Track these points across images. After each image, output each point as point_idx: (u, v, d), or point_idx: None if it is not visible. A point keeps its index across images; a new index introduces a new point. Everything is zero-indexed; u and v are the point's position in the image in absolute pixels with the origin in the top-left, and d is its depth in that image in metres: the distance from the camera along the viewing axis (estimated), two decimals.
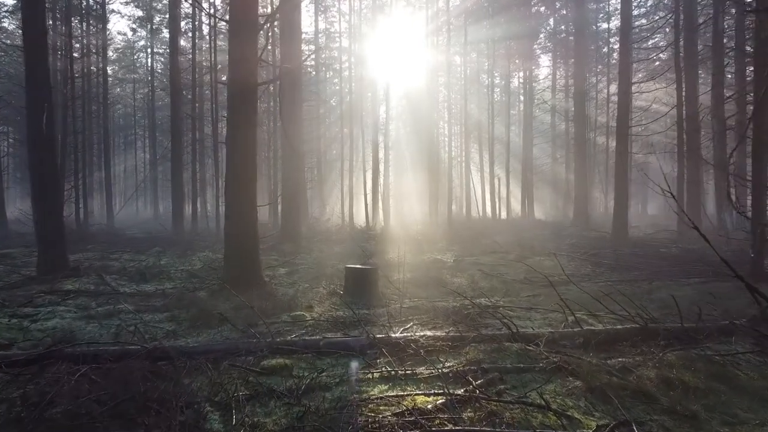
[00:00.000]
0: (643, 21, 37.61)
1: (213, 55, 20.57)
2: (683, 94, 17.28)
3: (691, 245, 11.68)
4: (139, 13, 35.44)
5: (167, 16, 26.41)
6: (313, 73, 36.90)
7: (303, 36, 31.77)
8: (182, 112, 19.72)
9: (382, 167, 24.96)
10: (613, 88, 37.47)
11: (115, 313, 5.23)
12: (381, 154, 27.34)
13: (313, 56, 28.96)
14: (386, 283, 7.19)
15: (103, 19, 27.19)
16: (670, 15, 19.69)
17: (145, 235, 18.41)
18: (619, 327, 4.03)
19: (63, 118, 19.14)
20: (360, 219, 25.77)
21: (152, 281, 7.56)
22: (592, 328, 4.06)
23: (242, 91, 6.04)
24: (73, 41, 26.40)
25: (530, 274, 8.49)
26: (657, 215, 37.92)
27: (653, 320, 4.20)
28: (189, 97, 22.07)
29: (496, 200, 28.33)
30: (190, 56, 22.36)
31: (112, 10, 38.24)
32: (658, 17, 36.77)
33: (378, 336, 3.67)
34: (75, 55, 25.19)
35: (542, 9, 36.82)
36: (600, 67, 38.73)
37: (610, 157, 37.06)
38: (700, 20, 19.53)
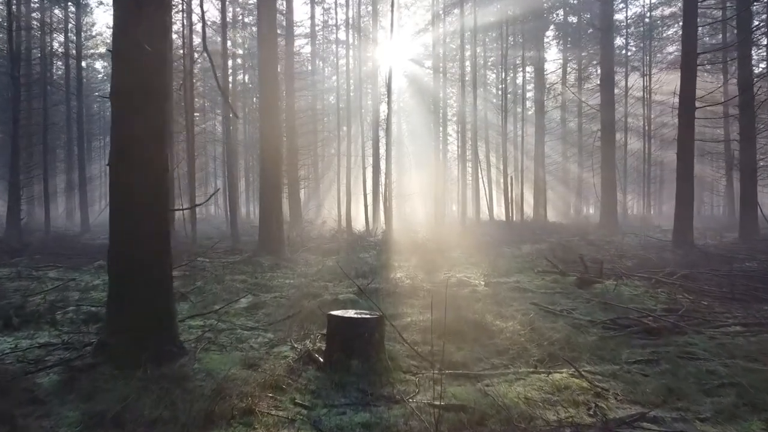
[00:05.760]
0: (665, 9, 34.96)
1: (189, 30, 17.77)
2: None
3: None
4: None
5: None
6: (310, 67, 34.24)
7: (296, 30, 29.17)
8: None
9: (383, 165, 22.20)
10: (632, 80, 34.79)
11: None
12: (382, 151, 24.63)
13: None
14: (394, 332, 4.40)
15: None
16: None
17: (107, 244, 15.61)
18: None
19: (12, 105, 16.38)
20: (359, 222, 22.97)
21: (24, 328, 4.76)
22: None
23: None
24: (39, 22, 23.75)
25: (608, 310, 5.71)
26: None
27: None
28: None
29: (510, 201, 25.55)
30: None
31: None
32: (678, 6, 34.12)
33: None
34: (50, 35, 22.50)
35: None
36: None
37: (629, 153, 34.45)
38: None
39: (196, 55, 18.27)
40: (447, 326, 4.77)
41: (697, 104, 12.16)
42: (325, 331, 4.24)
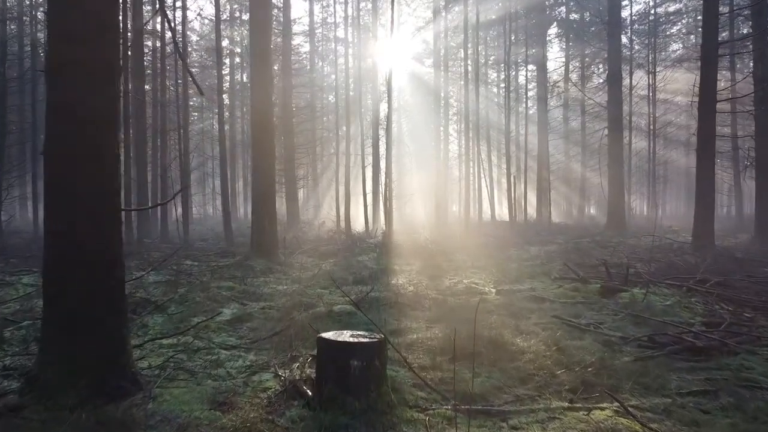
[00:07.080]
0: (670, 6, 34.33)
1: (182, 13, 17.11)
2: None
3: None
4: None
5: None
6: (308, 66, 33.57)
7: (294, 27, 28.46)
8: (142, 94, 16.21)
9: (383, 164, 21.52)
10: (636, 78, 34.13)
11: None
12: (382, 150, 23.97)
13: None
14: (396, 354, 3.72)
15: None
16: None
17: None
18: None
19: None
20: (359, 223, 22.29)
21: None
22: None
23: None
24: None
25: (640, 324, 5.03)
26: (679, 216, 34.34)
27: None
28: (153, 78, 18.65)
29: (513, 201, 24.87)
30: (159, 31, 18.91)
31: None
32: (683, 3, 33.52)
33: None
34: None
35: None
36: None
37: (633, 152, 33.74)
38: None
39: (192, 52, 17.61)
40: (459, 345, 4.09)
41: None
42: (315, 352, 3.57)
